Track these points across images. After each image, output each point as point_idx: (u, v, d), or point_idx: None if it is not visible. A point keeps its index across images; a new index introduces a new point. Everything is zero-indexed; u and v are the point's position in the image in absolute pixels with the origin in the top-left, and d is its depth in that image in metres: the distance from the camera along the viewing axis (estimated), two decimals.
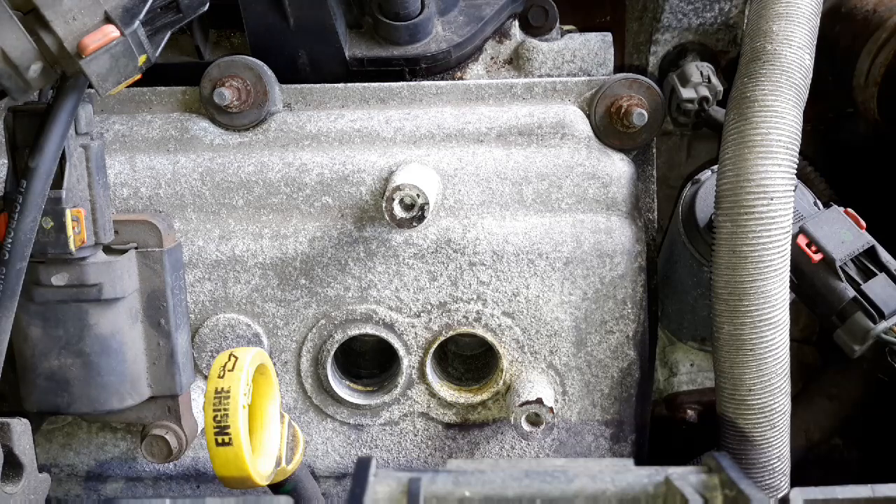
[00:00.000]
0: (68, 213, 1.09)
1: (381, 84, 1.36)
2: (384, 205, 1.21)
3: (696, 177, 1.39)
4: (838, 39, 1.58)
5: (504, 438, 1.39)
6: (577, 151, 1.32)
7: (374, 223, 1.30)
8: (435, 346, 1.33)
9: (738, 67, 1.21)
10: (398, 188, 1.20)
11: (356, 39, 1.39)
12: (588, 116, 1.34)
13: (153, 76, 1.24)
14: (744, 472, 1.08)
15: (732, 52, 1.62)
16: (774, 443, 1.18)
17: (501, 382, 1.34)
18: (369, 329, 1.33)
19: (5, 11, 0.95)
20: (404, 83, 1.36)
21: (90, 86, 1.00)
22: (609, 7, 1.80)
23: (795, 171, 1.15)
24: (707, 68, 1.52)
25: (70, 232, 1.10)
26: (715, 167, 1.24)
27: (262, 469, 1.10)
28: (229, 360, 1.07)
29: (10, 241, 1.03)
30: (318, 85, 1.36)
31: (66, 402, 1.19)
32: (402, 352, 1.33)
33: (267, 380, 1.15)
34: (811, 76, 1.19)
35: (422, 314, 1.32)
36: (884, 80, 1.49)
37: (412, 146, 1.33)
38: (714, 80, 1.51)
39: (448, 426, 1.38)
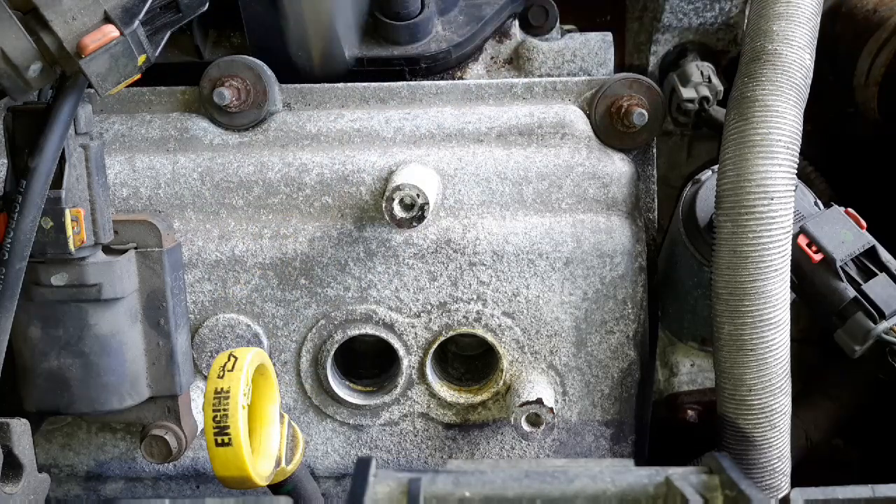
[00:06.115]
0: (68, 213, 1.09)
1: (381, 84, 1.35)
2: (384, 205, 1.21)
3: (697, 177, 1.38)
4: (839, 39, 1.58)
5: (504, 439, 1.39)
6: (577, 151, 1.32)
7: (374, 223, 1.30)
8: (435, 346, 1.33)
9: (738, 67, 1.21)
10: (398, 188, 1.20)
11: (356, 39, 1.38)
12: (588, 116, 1.34)
13: (153, 76, 1.24)
14: (744, 472, 1.09)
15: (733, 52, 1.62)
16: (775, 443, 1.18)
17: (501, 383, 1.34)
18: (369, 329, 1.33)
19: (5, 11, 0.95)
20: (404, 83, 1.36)
21: (90, 86, 1.00)
22: (609, 7, 1.80)
23: (796, 171, 1.15)
24: (707, 68, 1.52)
25: (69, 232, 1.09)
26: (715, 167, 1.24)
27: (261, 469, 1.10)
28: (229, 360, 1.07)
29: (9, 241, 1.03)
30: (317, 85, 1.35)
31: (66, 402, 1.19)
32: (402, 352, 1.33)
33: (267, 380, 1.15)
34: (812, 76, 1.19)
35: (422, 314, 1.32)
36: (884, 79, 1.49)
37: (412, 146, 1.32)
38: (714, 79, 1.51)
39: (448, 426, 1.38)
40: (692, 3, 1.58)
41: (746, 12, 1.52)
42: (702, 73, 1.51)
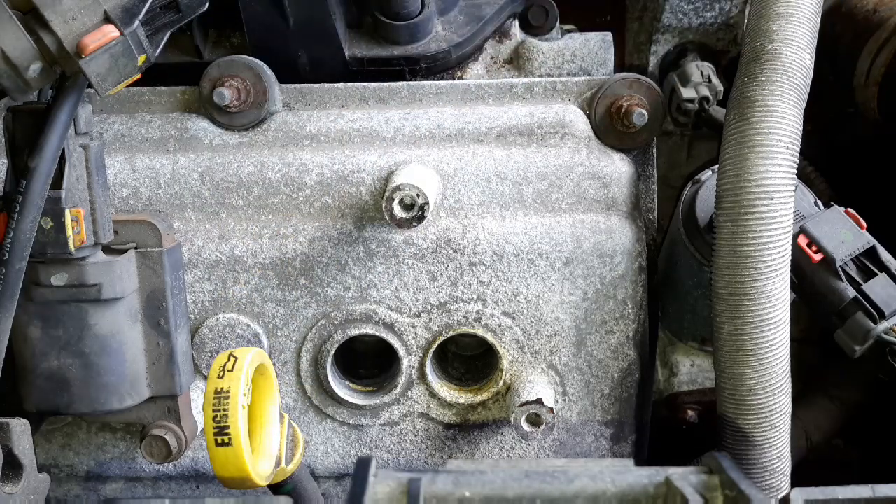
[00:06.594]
0: (68, 212, 1.09)
1: (381, 84, 1.36)
2: (384, 205, 1.21)
3: (697, 177, 1.39)
4: (839, 39, 1.58)
5: (504, 439, 1.39)
6: (577, 151, 1.32)
7: (374, 223, 1.30)
8: (435, 346, 1.33)
9: (738, 67, 1.21)
10: (398, 188, 1.20)
11: (356, 39, 1.39)
12: (588, 116, 1.34)
13: (153, 76, 1.24)
14: (744, 472, 1.09)
15: (733, 52, 1.62)
16: (775, 443, 1.18)
17: (501, 383, 1.34)
18: (369, 329, 1.33)
19: (5, 11, 0.95)
20: (404, 83, 1.36)
21: (90, 86, 1.00)
22: (609, 7, 1.81)
23: (796, 171, 1.15)
24: (707, 68, 1.52)
25: (69, 232, 1.09)
26: (715, 167, 1.24)
27: (261, 469, 1.10)
28: (229, 360, 1.07)
29: (9, 241, 1.03)
30: (317, 85, 1.36)
31: (66, 402, 1.19)
32: (402, 352, 1.33)
33: (267, 380, 1.14)
34: (812, 76, 1.19)
35: (422, 314, 1.32)
36: (884, 79, 1.49)
37: (412, 146, 1.32)
38: (714, 79, 1.51)
39: (448, 426, 1.38)
40: (692, 3, 1.58)
41: (746, 12, 1.52)
42: (702, 73, 1.51)
